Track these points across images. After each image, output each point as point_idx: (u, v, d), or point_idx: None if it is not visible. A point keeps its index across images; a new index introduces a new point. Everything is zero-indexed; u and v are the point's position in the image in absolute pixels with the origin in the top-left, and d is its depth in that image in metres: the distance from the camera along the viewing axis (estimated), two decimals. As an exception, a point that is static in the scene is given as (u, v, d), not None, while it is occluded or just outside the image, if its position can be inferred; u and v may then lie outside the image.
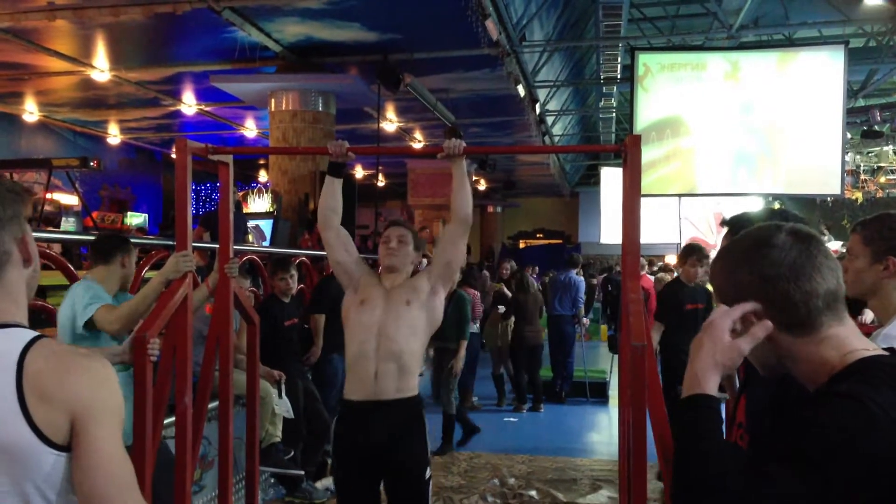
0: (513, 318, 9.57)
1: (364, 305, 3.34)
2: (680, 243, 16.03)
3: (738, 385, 2.87)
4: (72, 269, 4.42)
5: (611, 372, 10.20)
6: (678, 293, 6.04)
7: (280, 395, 5.27)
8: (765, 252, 1.33)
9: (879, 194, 20.39)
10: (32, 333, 1.37)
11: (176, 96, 14.12)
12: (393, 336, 3.26)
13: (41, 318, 4.24)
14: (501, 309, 9.65)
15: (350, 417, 3.29)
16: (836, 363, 1.29)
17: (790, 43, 13.78)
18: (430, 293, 3.40)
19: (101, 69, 11.85)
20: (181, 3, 8.95)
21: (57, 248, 7.00)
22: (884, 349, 1.34)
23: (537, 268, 13.36)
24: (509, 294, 9.96)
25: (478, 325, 9.55)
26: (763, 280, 1.31)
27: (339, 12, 9.61)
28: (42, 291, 4.75)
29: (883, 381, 1.22)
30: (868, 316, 3.84)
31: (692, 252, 6.16)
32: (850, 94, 13.68)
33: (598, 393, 9.85)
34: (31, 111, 15.10)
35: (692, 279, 6.02)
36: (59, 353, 1.35)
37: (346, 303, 3.44)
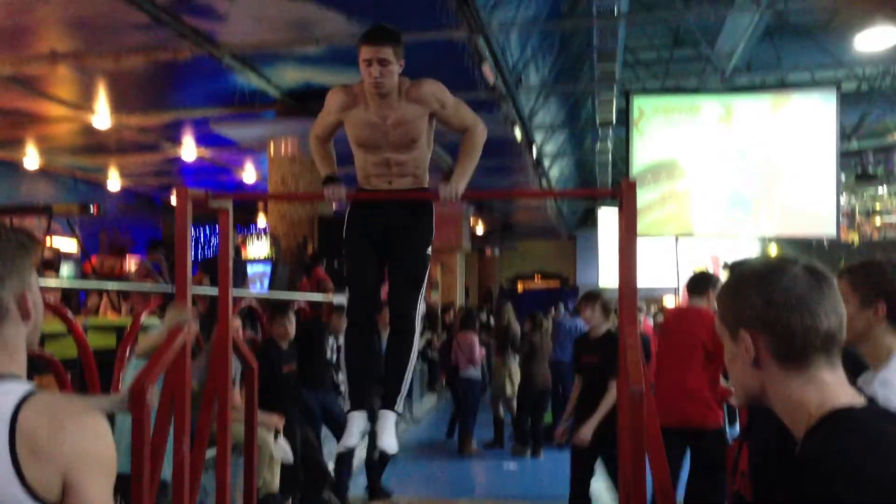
0: (515, 362, 9.52)
1: (363, 139, 3.40)
2: (678, 286, 16.05)
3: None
4: (70, 316, 4.40)
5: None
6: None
7: (276, 439, 5.23)
8: (776, 278, 1.34)
9: (875, 236, 20.46)
10: (27, 387, 1.36)
11: (176, 141, 14.23)
12: (402, 160, 3.40)
13: (39, 366, 4.21)
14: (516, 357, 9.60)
15: (364, 199, 3.51)
16: (812, 411, 1.29)
17: (783, 86, 13.95)
18: (429, 131, 3.46)
19: (102, 115, 11.96)
20: (182, 50, 9.07)
21: (55, 294, 6.98)
22: (867, 398, 1.35)
23: (562, 304, 13.32)
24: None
25: (478, 369, 9.51)
26: (768, 304, 1.32)
27: (338, 58, 9.73)
28: (40, 339, 4.72)
29: (852, 437, 1.23)
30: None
31: (582, 297, 5.70)
32: (843, 136, 13.81)
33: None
34: (31, 157, 15.18)
35: (587, 323, 5.59)
36: (53, 408, 1.33)
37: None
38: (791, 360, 1.32)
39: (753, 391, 1.38)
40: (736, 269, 2.57)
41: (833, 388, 1.31)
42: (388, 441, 3.36)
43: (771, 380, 1.34)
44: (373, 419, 3.46)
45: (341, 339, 7.09)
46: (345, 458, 6.06)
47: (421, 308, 3.50)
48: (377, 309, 3.62)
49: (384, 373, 3.51)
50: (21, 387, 1.35)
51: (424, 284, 3.50)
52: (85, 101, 11.50)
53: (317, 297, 8.49)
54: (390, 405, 3.43)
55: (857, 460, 1.18)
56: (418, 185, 3.48)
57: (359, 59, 3.26)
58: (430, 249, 3.54)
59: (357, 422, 3.39)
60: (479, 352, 9.70)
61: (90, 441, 1.33)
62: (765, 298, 1.33)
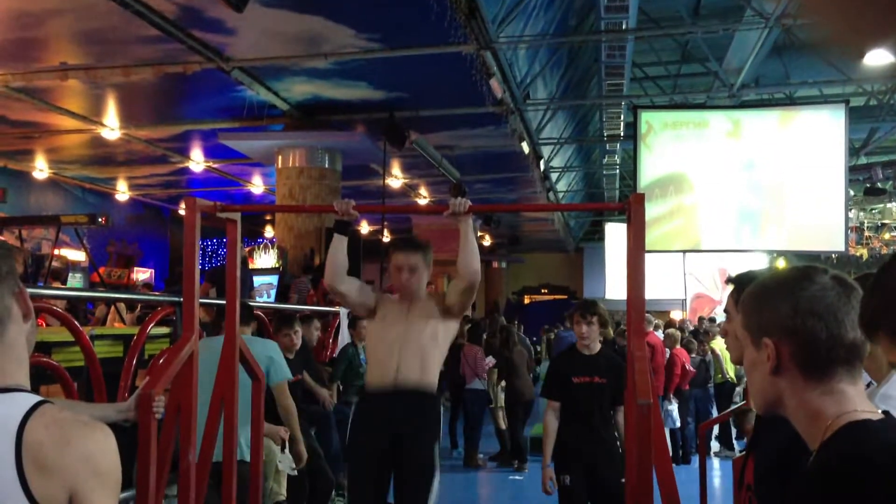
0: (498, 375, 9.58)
1: (386, 321, 3.58)
2: (685, 299, 16.01)
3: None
4: (77, 324, 4.42)
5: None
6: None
7: (283, 451, 5.22)
8: (805, 286, 1.32)
9: (884, 251, 20.40)
10: (34, 399, 1.34)
11: (184, 153, 14.30)
12: (416, 341, 3.50)
13: (46, 375, 4.23)
14: (491, 362, 9.60)
15: (370, 403, 3.56)
16: (829, 422, 1.28)
17: (791, 102, 13.94)
18: (445, 312, 3.61)
19: (111, 127, 12.03)
20: (191, 63, 9.12)
21: (62, 304, 7.01)
22: (881, 411, 1.34)
23: (567, 325, 13.29)
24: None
25: (483, 381, 9.49)
26: (795, 312, 1.30)
27: (346, 72, 9.79)
28: (47, 348, 4.74)
29: (866, 447, 1.21)
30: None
31: (577, 308, 4.79)
32: (852, 151, 13.79)
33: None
34: (41, 168, 15.27)
35: (583, 339, 4.63)
36: (59, 422, 1.32)
37: (369, 325, 3.74)
38: (813, 370, 1.30)
39: (772, 399, 1.36)
40: (748, 279, 2.55)
41: (852, 400, 1.29)
42: None
43: (791, 389, 1.32)
44: None
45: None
46: None
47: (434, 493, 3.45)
48: None
49: None
50: (28, 399, 1.34)
51: (436, 481, 3.45)
52: (95, 114, 11.58)
53: (323, 308, 8.50)
54: None
55: (869, 470, 1.17)
56: (424, 384, 3.48)
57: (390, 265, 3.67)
58: (437, 463, 3.47)
59: None
60: (482, 363, 9.66)
61: (97, 455, 1.32)
62: (791, 306, 1.31)
